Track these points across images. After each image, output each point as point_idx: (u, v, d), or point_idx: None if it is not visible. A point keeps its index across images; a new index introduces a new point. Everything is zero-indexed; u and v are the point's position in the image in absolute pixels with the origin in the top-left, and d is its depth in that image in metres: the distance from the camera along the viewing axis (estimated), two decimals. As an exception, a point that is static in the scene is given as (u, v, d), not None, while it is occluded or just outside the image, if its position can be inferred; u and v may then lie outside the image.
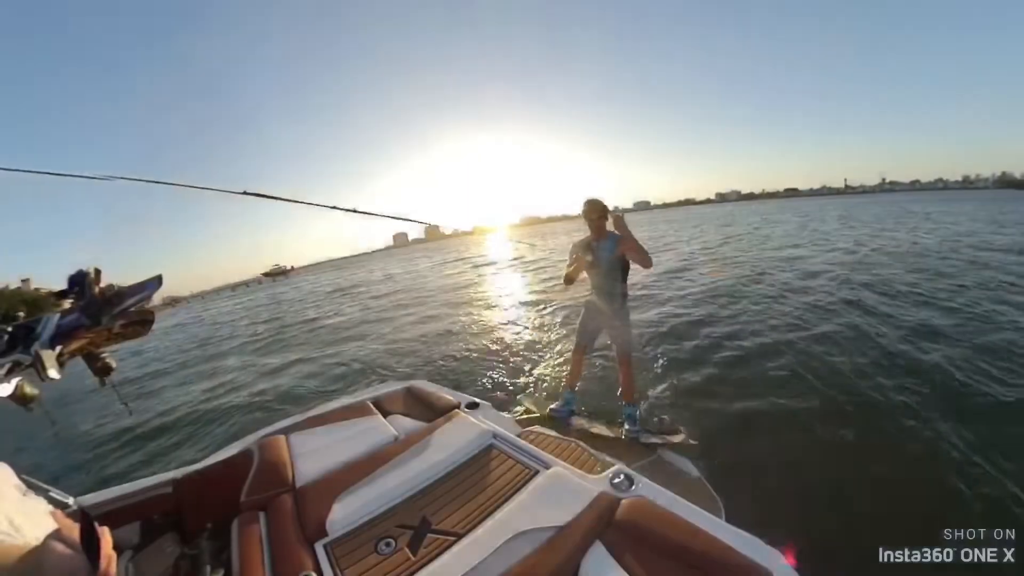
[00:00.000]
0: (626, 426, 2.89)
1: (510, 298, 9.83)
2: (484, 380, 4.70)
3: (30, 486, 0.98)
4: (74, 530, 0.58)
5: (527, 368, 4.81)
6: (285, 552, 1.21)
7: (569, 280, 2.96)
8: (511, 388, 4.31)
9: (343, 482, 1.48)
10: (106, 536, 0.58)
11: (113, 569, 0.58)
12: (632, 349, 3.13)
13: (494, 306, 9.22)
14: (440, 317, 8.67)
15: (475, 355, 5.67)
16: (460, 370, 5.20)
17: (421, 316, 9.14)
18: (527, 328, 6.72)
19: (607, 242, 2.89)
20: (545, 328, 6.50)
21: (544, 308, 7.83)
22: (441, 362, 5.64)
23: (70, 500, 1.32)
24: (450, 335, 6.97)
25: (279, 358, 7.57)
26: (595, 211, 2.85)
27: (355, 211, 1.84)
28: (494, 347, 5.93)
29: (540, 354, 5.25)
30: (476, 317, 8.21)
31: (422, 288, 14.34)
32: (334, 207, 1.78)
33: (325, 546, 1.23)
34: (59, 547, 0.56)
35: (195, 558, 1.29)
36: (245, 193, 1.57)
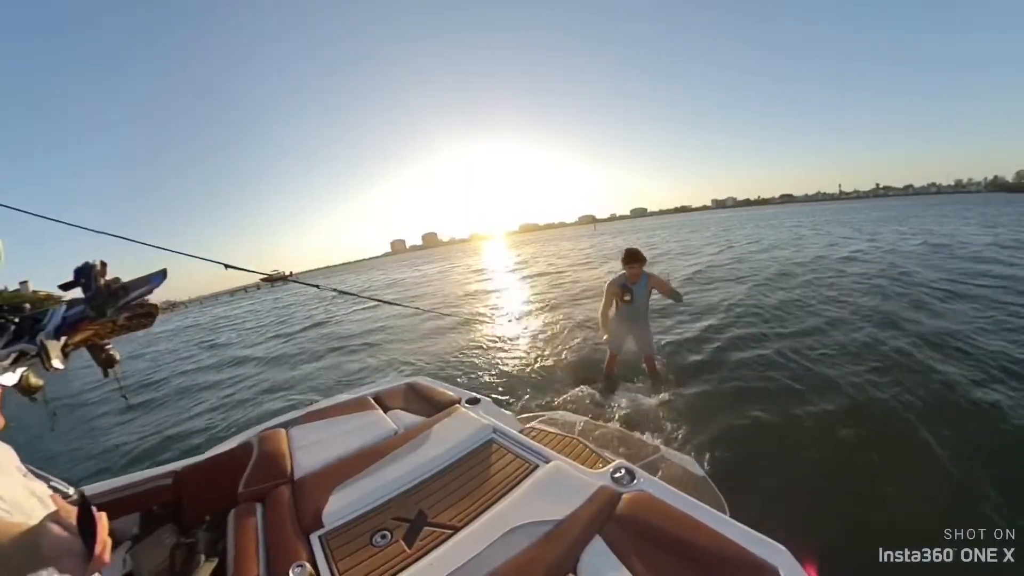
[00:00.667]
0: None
1: (514, 303, 9.84)
2: (489, 380, 4.73)
3: (32, 473, 0.98)
4: (72, 513, 0.58)
5: (534, 366, 4.88)
6: (280, 543, 1.21)
7: (605, 310, 3.72)
8: (517, 387, 4.35)
9: (341, 475, 1.48)
10: (103, 521, 0.58)
11: (107, 554, 0.58)
12: (654, 350, 3.84)
13: (499, 309, 9.25)
14: (448, 319, 8.66)
15: (481, 356, 5.71)
16: (465, 370, 5.23)
17: (431, 318, 9.14)
18: (533, 331, 6.75)
19: (641, 284, 3.55)
20: (550, 330, 6.52)
21: (549, 312, 7.82)
22: (445, 362, 5.67)
23: (70, 490, 1.32)
24: (457, 337, 6.96)
25: (297, 367, 7.42)
26: (634, 260, 3.43)
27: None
28: (500, 348, 5.96)
29: (546, 355, 5.28)
30: (482, 320, 8.23)
31: (426, 294, 14.32)
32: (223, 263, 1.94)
33: (320, 537, 1.23)
34: (56, 528, 0.56)
35: (190, 547, 1.28)
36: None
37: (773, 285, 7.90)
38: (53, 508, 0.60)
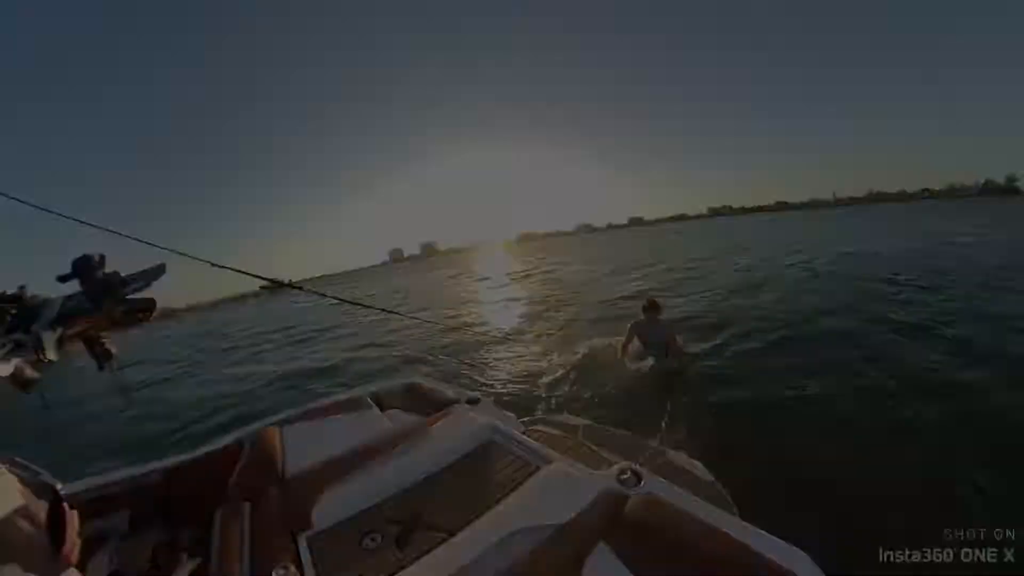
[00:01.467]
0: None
1: (517, 310, 9.84)
2: (494, 381, 4.78)
3: (19, 466, 0.97)
4: (42, 510, 0.56)
5: (540, 370, 4.90)
6: (265, 543, 1.18)
7: (625, 343, 4.25)
8: (522, 388, 4.40)
9: (334, 475, 1.45)
10: (72, 519, 0.56)
11: (75, 555, 0.56)
12: (672, 369, 4.15)
13: (504, 317, 9.29)
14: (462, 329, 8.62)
15: (489, 358, 5.75)
16: (472, 372, 5.26)
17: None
18: (538, 335, 6.79)
19: (658, 333, 4.10)
20: (555, 334, 6.56)
21: (554, 320, 7.81)
22: (452, 366, 5.69)
23: (57, 485, 1.30)
24: (467, 341, 6.93)
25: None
26: (649, 308, 4.02)
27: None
28: (506, 352, 6.00)
29: (551, 359, 5.29)
30: (490, 325, 8.28)
31: (434, 303, 14.27)
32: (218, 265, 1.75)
33: (308, 538, 1.20)
34: (23, 524, 0.54)
35: (173, 546, 1.26)
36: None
37: (787, 290, 7.91)
38: (22, 502, 0.58)
